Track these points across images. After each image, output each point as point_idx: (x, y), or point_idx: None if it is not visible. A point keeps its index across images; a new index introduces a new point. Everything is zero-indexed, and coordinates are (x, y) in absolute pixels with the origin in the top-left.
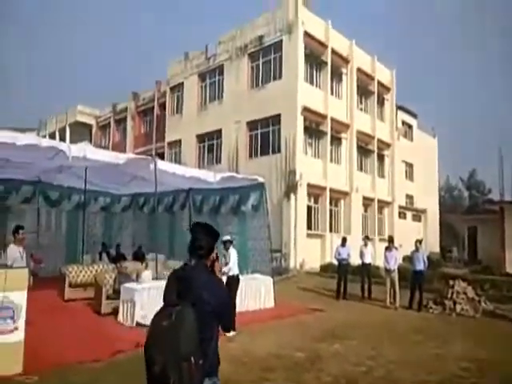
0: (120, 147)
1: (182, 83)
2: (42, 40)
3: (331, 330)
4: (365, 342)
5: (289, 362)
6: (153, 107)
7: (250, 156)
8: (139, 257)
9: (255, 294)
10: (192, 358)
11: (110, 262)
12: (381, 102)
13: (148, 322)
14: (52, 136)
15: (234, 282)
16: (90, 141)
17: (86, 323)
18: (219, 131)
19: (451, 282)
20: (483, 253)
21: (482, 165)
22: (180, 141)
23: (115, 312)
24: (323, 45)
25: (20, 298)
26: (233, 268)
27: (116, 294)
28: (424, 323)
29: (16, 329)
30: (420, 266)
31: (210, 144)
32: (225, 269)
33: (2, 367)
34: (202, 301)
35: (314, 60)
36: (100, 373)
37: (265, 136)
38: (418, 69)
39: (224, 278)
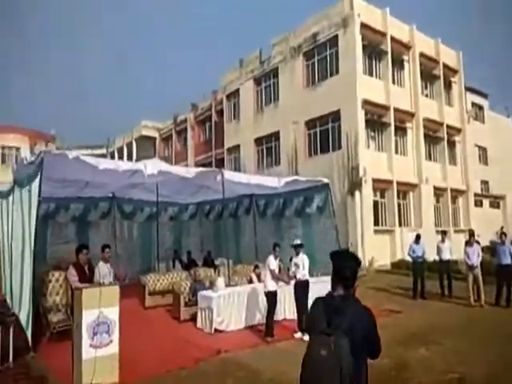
0: (181, 156)
1: (238, 90)
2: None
3: (413, 334)
4: (452, 345)
5: (375, 370)
6: (210, 116)
7: (310, 155)
8: (209, 263)
9: None
10: None
11: (182, 269)
12: (447, 85)
13: (225, 327)
14: (120, 151)
15: (304, 286)
16: (154, 152)
17: (168, 330)
18: (277, 133)
19: None
20: None
21: None
22: (238, 146)
23: (193, 318)
24: (382, 34)
25: (113, 313)
26: (305, 272)
27: (192, 300)
28: None
29: (111, 342)
30: (507, 259)
31: (268, 147)
32: (299, 275)
33: (101, 377)
34: (355, 332)
35: (372, 50)
36: (186, 381)
37: (324, 134)
38: (485, 47)
39: (291, 282)
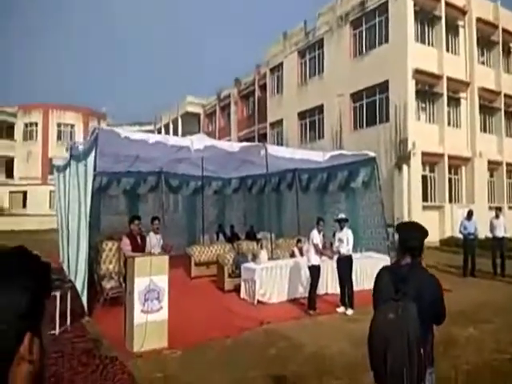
0: (225, 131)
1: (282, 63)
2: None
3: (462, 312)
4: (504, 325)
5: None
6: (254, 90)
7: (355, 128)
8: (251, 236)
9: (371, 272)
10: (420, 349)
11: (226, 242)
12: (506, 52)
13: (267, 299)
14: (166, 127)
15: (348, 261)
16: (199, 128)
17: (213, 300)
18: (321, 106)
19: None
20: None
21: None
22: (281, 120)
23: (236, 289)
24: None
25: (163, 281)
26: (348, 247)
27: (235, 272)
28: None
29: (161, 308)
30: None
31: (311, 120)
32: (343, 250)
33: (151, 342)
34: (422, 298)
35: (424, 16)
36: (231, 349)
37: (371, 106)
38: None
39: (335, 257)
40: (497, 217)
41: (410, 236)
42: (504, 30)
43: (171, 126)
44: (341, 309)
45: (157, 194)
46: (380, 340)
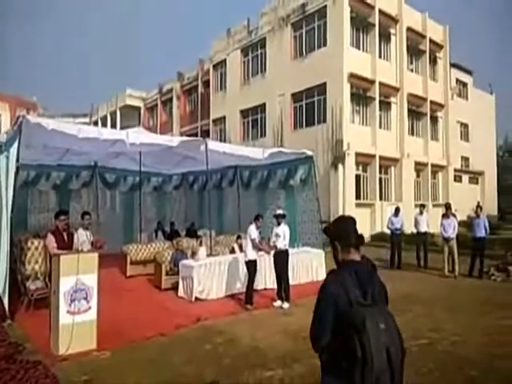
0: (167, 127)
1: (225, 60)
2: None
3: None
4: (423, 313)
5: None
6: (197, 86)
7: (295, 127)
8: (192, 233)
9: (307, 266)
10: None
11: (165, 240)
12: (433, 61)
13: (205, 296)
14: (104, 120)
15: (284, 255)
16: (139, 122)
17: (149, 299)
18: (263, 105)
19: None
20: None
21: None
22: (224, 117)
23: (174, 287)
24: (370, 6)
25: (92, 280)
26: (285, 242)
27: (174, 270)
28: (487, 291)
29: (89, 308)
30: (481, 232)
31: (254, 118)
32: (280, 244)
33: (78, 344)
34: (384, 297)
35: (360, 23)
36: (165, 347)
37: (310, 106)
38: (471, 23)
39: (272, 252)
40: (421, 213)
41: (354, 230)
42: (431, 41)
43: (109, 119)
44: (277, 303)
45: (91, 189)
46: (380, 350)
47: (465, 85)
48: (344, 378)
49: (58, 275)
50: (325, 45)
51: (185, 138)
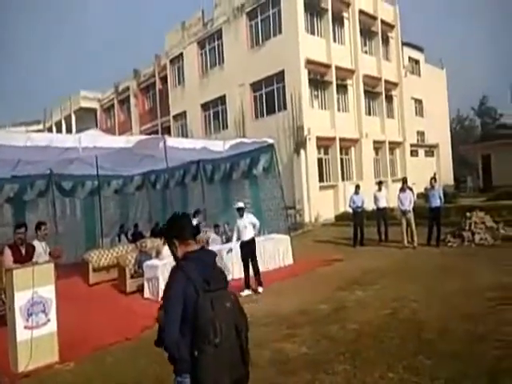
0: (125, 126)
1: (182, 54)
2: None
3: (352, 278)
4: (387, 285)
5: (314, 316)
6: (154, 82)
7: (256, 117)
8: (157, 233)
9: (274, 253)
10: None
11: (129, 243)
12: (385, 41)
13: None
14: (58, 125)
15: (252, 244)
16: (96, 124)
17: (113, 304)
18: (223, 97)
19: (468, 214)
20: (498, 179)
21: (492, 90)
22: (185, 112)
23: (140, 289)
24: None
25: (49, 291)
26: (251, 231)
27: (138, 272)
28: (444, 258)
29: (49, 321)
30: (436, 202)
31: (215, 111)
32: (244, 237)
33: (39, 358)
34: (224, 281)
35: (313, 8)
36: (132, 350)
37: (270, 95)
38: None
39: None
40: (379, 190)
41: (188, 223)
42: (382, 22)
43: (64, 124)
44: (245, 292)
45: (48, 198)
46: (230, 329)
47: (417, 62)
48: (197, 364)
49: (13, 290)
50: (280, 32)
51: (142, 137)
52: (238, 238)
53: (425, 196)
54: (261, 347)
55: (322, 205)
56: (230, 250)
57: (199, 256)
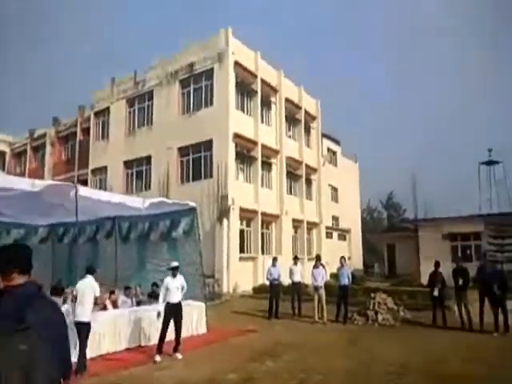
0: (37, 174)
1: (108, 108)
2: None
3: (263, 349)
4: (297, 357)
5: None
6: (75, 133)
7: (182, 182)
8: (58, 291)
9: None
10: None
11: None
12: (307, 129)
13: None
14: None
15: (179, 307)
16: (3, 168)
17: None
18: (149, 157)
19: (372, 295)
20: (401, 267)
21: (398, 188)
22: (106, 167)
23: None
24: (253, 74)
25: None
26: (180, 294)
27: None
28: (350, 334)
29: None
30: (345, 281)
31: (138, 170)
32: (178, 297)
33: None
34: (50, 328)
35: (244, 88)
36: None
37: (197, 161)
38: (340, 98)
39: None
40: (295, 264)
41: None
42: (306, 112)
43: None
44: (157, 358)
45: None
46: (10, 370)
47: (334, 153)
48: None
49: None
50: (211, 104)
51: (50, 182)
52: (163, 300)
53: (336, 275)
54: None
55: (240, 276)
56: (159, 314)
57: (16, 290)
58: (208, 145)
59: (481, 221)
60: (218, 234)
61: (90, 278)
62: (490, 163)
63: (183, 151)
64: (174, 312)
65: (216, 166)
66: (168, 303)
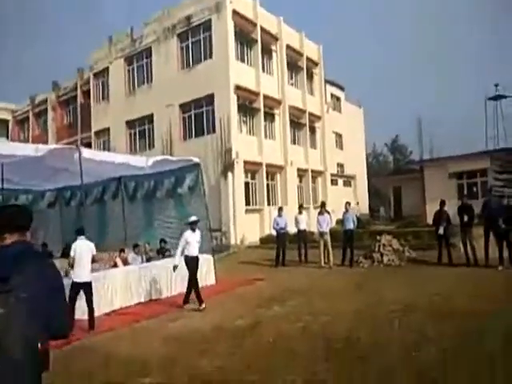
0: (41, 140)
1: (107, 68)
2: None
3: (271, 296)
4: (303, 301)
5: (230, 332)
6: (76, 96)
7: (185, 138)
8: (69, 253)
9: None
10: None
11: None
12: (310, 76)
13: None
14: None
15: (197, 261)
16: (7, 136)
17: None
18: (151, 115)
19: (378, 237)
20: (407, 209)
21: (403, 130)
22: (108, 129)
23: None
24: (252, 23)
25: None
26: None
27: None
28: (356, 277)
29: None
30: (350, 225)
31: (141, 130)
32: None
33: None
34: (37, 290)
35: (244, 38)
36: None
37: (199, 117)
38: (343, 42)
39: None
40: (300, 213)
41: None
42: (308, 58)
43: None
44: (203, 305)
45: None
46: None
47: (338, 99)
48: None
49: None
50: (211, 57)
51: (54, 146)
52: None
53: (342, 221)
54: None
55: (247, 228)
56: (175, 267)
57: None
58: (209, 99)
59: (487, 157)
60: (223, 188)
61: (83, 239)
62: (497, 98)
63: (185, 107)
64: (192, 263)
65: (218, 120)
66: (187, 256)
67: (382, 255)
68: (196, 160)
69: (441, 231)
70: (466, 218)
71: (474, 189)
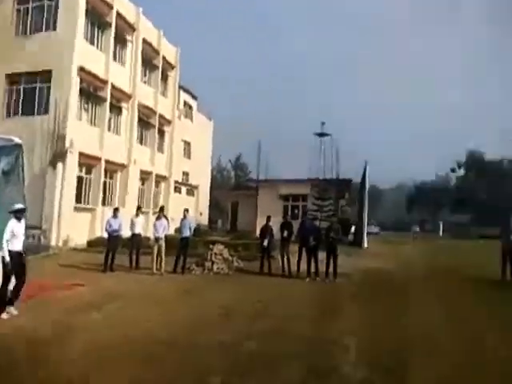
0: None
1: None
2: None
3: (90, 302)
4: (125, 307)
5: (34, 342)
6: None
7: (8, 115)
8: None
9: None
10: None
11: None
12: (165, 78)
13: None
14: None
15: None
16: None
17: None
18: None
19: (211, 246)
20: (243, 223)
21: (246, 150)
22: None
23: None
24: (108, 5)
25: None
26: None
27: None
28: (186, 283)
29: None
30: (186, 232)
31: None
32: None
33: None
34: None
35: (96, 19)
36: None
37: (30, 93)
38: (200, 50)
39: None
40: (137, 215)
41: None
42: (164, 58)
43: None
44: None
45: None
46: None
47: (191, 107)
48: None
49: None
50: (54, 29)
51: None
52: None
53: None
54: None
55: (74, 228)
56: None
57: None
58: (46, 75)
59: (308, 184)
60: (49, 179)
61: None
62: (321, 135)
63: (13, 78)
64: (17, 259)
65: (54, 101)
66: (10, 251)
67: (212, 263)
68: (17, 140)
69: (265, 243)
70: (285, 233)
71: (296, 211)
